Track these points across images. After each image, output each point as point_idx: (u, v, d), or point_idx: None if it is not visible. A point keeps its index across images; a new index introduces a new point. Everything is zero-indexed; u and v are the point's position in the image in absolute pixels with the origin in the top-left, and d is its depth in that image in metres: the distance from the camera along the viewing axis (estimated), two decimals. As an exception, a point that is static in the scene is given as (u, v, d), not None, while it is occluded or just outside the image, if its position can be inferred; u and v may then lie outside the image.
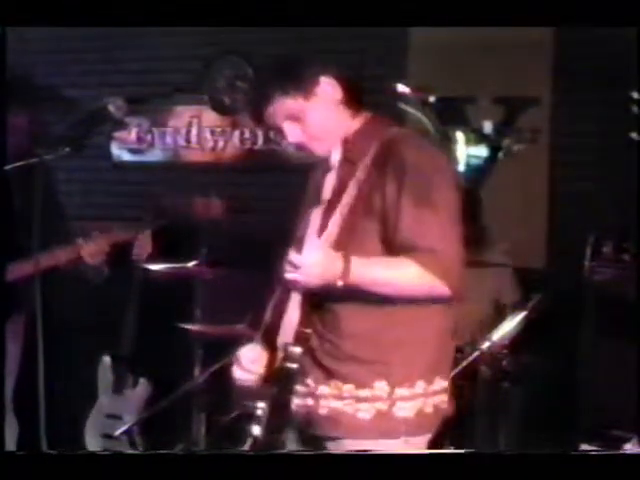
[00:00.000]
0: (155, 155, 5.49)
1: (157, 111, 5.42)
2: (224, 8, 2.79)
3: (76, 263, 3.82)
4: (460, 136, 4.33)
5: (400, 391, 2.56)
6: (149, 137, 5.47)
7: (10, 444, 4.03)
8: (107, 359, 4.80)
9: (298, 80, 2.59)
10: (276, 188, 5.13)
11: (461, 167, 4.52)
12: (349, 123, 2.66)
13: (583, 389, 4.40)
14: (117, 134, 5.41)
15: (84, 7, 2.78)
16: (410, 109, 4.18)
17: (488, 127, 4.59)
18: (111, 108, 3.26)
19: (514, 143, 4.47)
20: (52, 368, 3.00)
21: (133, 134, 5.47)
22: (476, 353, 3.77)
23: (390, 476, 2.18)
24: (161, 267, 4.47)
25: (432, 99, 4.49)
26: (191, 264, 4.46)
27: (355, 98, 2.65)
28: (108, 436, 4.62)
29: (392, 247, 2.52)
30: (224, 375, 4.32)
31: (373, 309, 2.54)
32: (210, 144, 5.38)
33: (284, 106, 2.59)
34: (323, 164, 2.70)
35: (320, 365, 2.59)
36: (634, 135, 4.05)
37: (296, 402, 2.60)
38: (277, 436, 2.57)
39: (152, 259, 4.42)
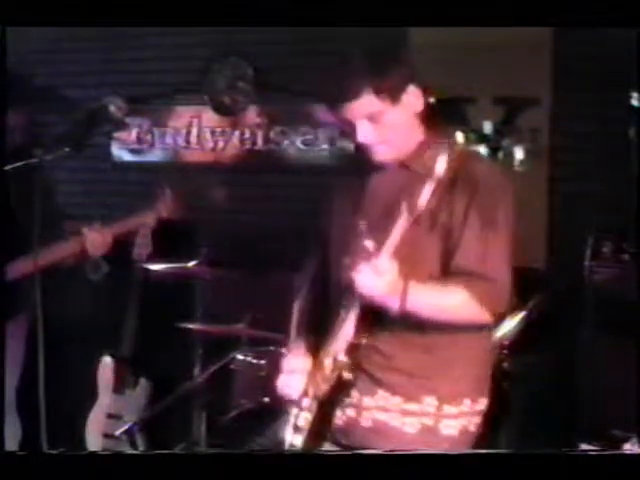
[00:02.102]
0: (155, 155, 5.48)
1: (157, 111, 5.42)
2: (224, 8, 2.79)
3: (79, 256, 3.82)
4: (460, 136, 4.34)
5: (448, 408, 2.56)
6: (149, 137, 5.47)
7: (13, 444, 4.03)
8: (107, 359, 4.79)
9: (394, 83, 2.52)
10: (276, 188, 5.14)
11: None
12: (419, 134, 2.62)
13: (583, 389, 4.40)
14: (117, 134, 5.40)
15: (84, 7, 2.79)
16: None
17: (488, 127, 4.61)
18: (111, 108, 3.27)
19: (514, 143, 4.49)
20: (52, 368, 3.00)
21: (133, 134, 5.46)
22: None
23: (390, 476, 2.18)
24: (161, 267, 4.47)
25: (432, 99, 4.49)
26: (191, 264, 4.46)
27: (431, 114, 2.62)
28: (108, 436, 4.62)
29: (449, 264, 2.51)
30: (224, 375, 4.34)
31: (427, 325, 2.52)
32: (210, 144, 5.38)
33: (369, 104, 2.51)
34: (378, 170, 2.64)
35: (367, 376, 2.56)
36: (634, 135, 4.05)
37: (336, 413, 2.57)
38: (317, 448, 2.54)
39: (152, 259, 4.42)
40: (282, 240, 4.71)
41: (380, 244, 2.41)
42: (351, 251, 2.54)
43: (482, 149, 4.57)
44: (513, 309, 3.97)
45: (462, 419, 2.57)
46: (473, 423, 2.61)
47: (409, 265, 2.43)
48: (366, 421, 2.57)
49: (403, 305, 2.42)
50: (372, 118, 2.52)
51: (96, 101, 5.13)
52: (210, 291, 4.57)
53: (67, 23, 2.99)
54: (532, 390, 4.28)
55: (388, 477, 2.18)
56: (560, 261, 4.59)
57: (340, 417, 2.58)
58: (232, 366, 4.29)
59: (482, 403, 2.63)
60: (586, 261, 4.12)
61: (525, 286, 4.30)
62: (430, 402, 2.54)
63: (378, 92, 2.49)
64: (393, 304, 2.43)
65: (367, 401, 2.57)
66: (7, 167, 3.43)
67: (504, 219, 2.53)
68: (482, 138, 4.54)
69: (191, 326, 4.44)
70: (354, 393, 2.56)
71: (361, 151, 2.61)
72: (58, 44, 5.39)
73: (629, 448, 3.36)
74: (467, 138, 4.40)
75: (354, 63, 2.55)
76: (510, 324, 3.86)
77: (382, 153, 2.58)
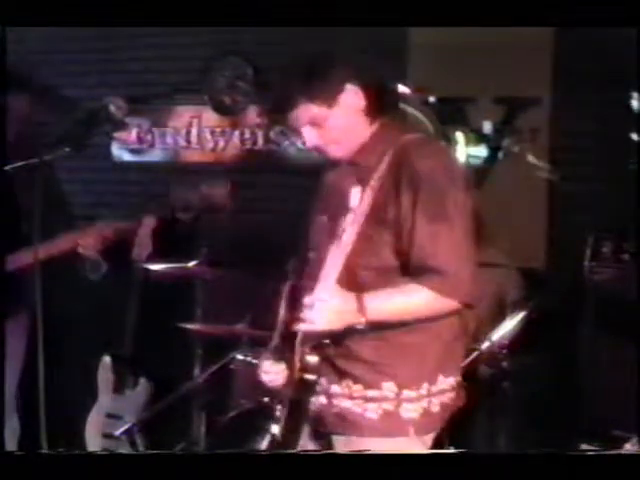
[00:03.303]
0: (155, 155, 5.48)
1: (157, 111, 5.42)
2: (224, 8, 2.79)
3: (78, 251, 3.81)
4: (460, 136, 4.34)
5: (407, 392, 2.61)
6: (149, 137, 5.47)
7: (12, 444, 4.03)
8: (107, 359, 4.79)
9: (325, 89, 2.58)
10: (276, 188, 5.14)
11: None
12: (366, 128, 2.65)
13: (583, 389, 4.40)
14: (117, 134, 5.40)
15: (84, 7, 2.79)
16: (410, 109, 4.19)
17: (488, 127, 4.61)
18: (111, 108, 3.26)
19: (514, 143, 4.49)
20: (52, 368, 3.00)
21: (133, 134, 5.46)
22: (476, 353, 3.76)
23: (390, 476, 2.18)
24: (161, 267, 4.47)
25: (432, 99, 4.50)
26: (191, 264, 4.46)
27: (377, 106, 2.63)
28: (108, 436, 4.62)
29: (405, 259, 2.55)
30: (224, 375, 4.34)
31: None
32: (210, 144, 5.38)
33: (307, 112, 2.59)
34: (335, 167, 2.71)
35: (333, 366, 2.64)
36: (634, 135, 4.05)
37: (311, 400, 2.65)
38: (294, 435, 2.63)
39: (152, 259, 4.42)
40: (282, 240, 4.71)
41: (337, 245, 2.49)
42: (315, 247, 2.64)
43: (482, 149, 4.57)
44: (513, 309, 3.98)
45: (422, 402, 2.62)
46: (435, 404, 2.65)
47: (365, 263, 2.51)
48: (334, 408, 2.65)
49: (366, 319, 2.49)
50: (314, 123, 2.59)
51: (96, 101, 5.13)
52: (210, 291, 4.57)
53: (67, 23, 2.99)
54: (532, 390, 4.28)
55: (388, 477, 2.19)
56: (560, 261, 4.59)
57: (314, 403, 2.66)
58: (232, 366, 4.29)
59: (444, 383, 2.67)
60: (586, 261, 4.12)
61: (525, 286, 4.33)
62: (389, 387, 2.60)
63: (312, 99, 2.57)
64: (356, 322, 2.50)
65: (334, 388, 2.65)
66: (7, 167, 3.43)
67: (453, 210, 2.54)
68: (482, 138, 4.54)
69: (191, 326, 4.44)
70: (324, 381, 2.64)
71: (316, 152, 2.67)
72: (58, 44, 5.39)
73: (629, 448, 3.36)
74: (467, 138, 4.41)
75: (287, 73, 2.63)
76: (510, 324, 3.86)
77: (333, 152, 2.65)
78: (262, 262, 4.05)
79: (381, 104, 2.63)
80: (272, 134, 5.22)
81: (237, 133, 5.31)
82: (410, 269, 2.54)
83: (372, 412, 2.62)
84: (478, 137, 4.49)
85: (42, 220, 3.06)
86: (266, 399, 2.70)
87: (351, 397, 2.63)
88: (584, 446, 3.55)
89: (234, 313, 4.34)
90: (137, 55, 5.40)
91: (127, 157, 5.53)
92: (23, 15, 2.82)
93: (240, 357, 4.28)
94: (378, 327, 2.54)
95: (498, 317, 4.02)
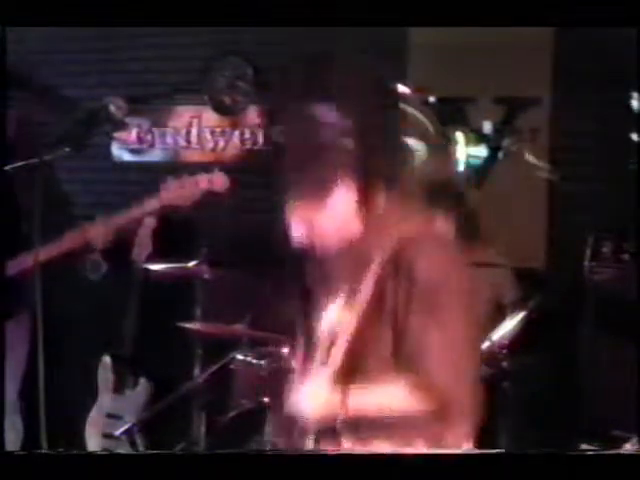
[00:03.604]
0: (155, 155, 5.49)
1: (157, 111, 5.42)
2: (224, 8, 2.79)
3: (82, 249, 3.81)
4: (460, 136, 4.34)
5: None
6: (149, 137, 5.47)
7: (15, 444, 4.03)
8: (107, 359, 4.79)
9: (314, 191, 2.49)
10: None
11: (461, 167, 4.53)
12: (363, 217, 2.53)
13: (583, 389, 4.40)
14: (117, 134, 5.41)
15: (84, 7, 2.79)
16: (410, 109, 4.19)
17: (488, 127, 4.61)
18: (111, 108, 3.27)
19: (514, 143, 4.49)
20: (52, 368, 3.00)
21: (133, 134, 5.47)
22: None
23: (390, 476, 2.18)
24: (161, 267, 4.47)
25: (432, 99, 4.50)
26: (191, 264, 4.46)
27: (370, 199, 2.51)
28: (108, 436, 4.62)
29: (395, 354, 2.48)
30: (224, 375, 4.34)
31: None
32: (210, 144, 5.38)
33: (295, 212, 2.54)
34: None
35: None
36: (634, 135, 4.06)
37: None
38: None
39: (152, 259, 4.42)
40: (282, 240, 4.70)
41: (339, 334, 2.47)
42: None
43: (482, 149, 4.57)
44: (513, 309, 3.98)
45: None
46: None
47: (362, 350, 2.47)
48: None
49: (344, 413, 2.47)
50: (302, 221, 2.53)
51: (96, 101, 5.13)
52: (210, 291, 4.57)
53: (67, 23, 2.99)
54: (532, 390, 4.28)
55: (387, 477, 2.18)
56: (560, 261, 4.60)
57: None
58: (232, 366, 4.29)
59: None
60: (586, 261, 4.12)
61: (525, 286, 4.33)
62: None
63: (303, 197, 2.51)
64: (334, 416, 2.48)
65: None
66: (7, 167, 3.43)
67: (449, 317, 2.43)
68: (482, 138, 4.54)
69: (191, 326, 4.44)
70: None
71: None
72: (58, 44, 5.39)
73: (629, 448, 3.36)
74: (467, 138, 4.41)
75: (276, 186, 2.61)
76: (510, 324, 3.86)
77: (326, 244, 2.55)
78: (262, 262, 4.05)
79: (375, 196, 2.52)
80: (272, 134, 5.21)
81: (237, 133, 5.31)
82: (398, 363, 2.47)
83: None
84: (478, 137, 4.50)
85: (42, 220, 3.05)
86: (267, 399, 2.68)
87: None
88: (584, 446, 3.55)
89: (234, 313, 4.34)
90: (137, 55, 5.40)
91: (127, 157, 5.53)
92: (23, 15, 2.81)
93: (240, 357, 4.28)
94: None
95: (498, 317, 4.03)
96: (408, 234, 2.47)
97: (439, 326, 2.42)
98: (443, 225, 2.61)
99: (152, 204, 3.80)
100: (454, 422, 2.47)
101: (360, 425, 2.51)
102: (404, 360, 2.46)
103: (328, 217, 2.51)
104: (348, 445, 2.54)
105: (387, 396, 2.49)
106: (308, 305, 2.67)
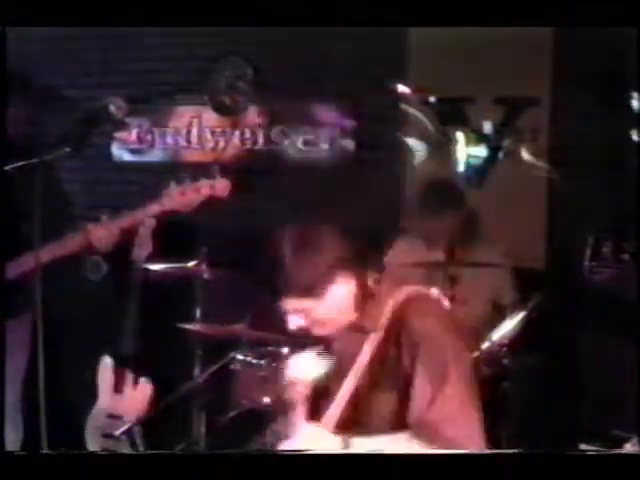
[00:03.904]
0: (155, 155, 5.48)
1: (157, 111, 5.42)
2: (224, 8, 2.79)
3: (85, 250, 3.81)
4: (460, 136, 4.34)
5: None
6: (149, 137, 5.47)
7: (15, 444, 4.03)
8: (107, 359, 4.79)
9: (310, 287, 2.49)
10: (276, 188, 5.14)
11: (461, 167, 4.53)
12: (358, 302, 2.56)
13: (583, 389, 4.40)
14: (118, 134, 5.41)
15: (84, 7, 2.79)
16: (410, 109, 4.20)
17: (488, 127, 4.62)
18: (111, 108, 3.27)
19: (514, 143, 4.49)
20: (52, 368, 3.00)
21: (133, 134, 5.46)
22: (476, 353, 3.77)
23: (390, 476, 2.18)
24: (161, 267, 4.47)
25: (432, 99, 4.50)
26: (191, 264, 4.46)
27: (366, 287, 2.55)
28: (108, 436, 4.62)
29: (401, 415, 2.50)
30: (224, 375, 4.34)
31: None
32: (210, 144, 5.38)
33: (290, 304, 2.53)
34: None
35: None
36: (634, 135, 4.05)
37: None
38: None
39: (152, 259, 4.42)
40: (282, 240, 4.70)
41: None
42: None
43: (482, 149, 4.57)
44: (513, 309, 3.98)
45: None
46: None
47: (363, 411, 2.48)
48: None
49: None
50: (298, 312, 2.52)
51: (96, 101, 5.14)
52: (210, 291, 4.57)
53: (67, 23, 2.99)
54: (532, 390, 4.29)
55: (387, 477, 2.18)
56: (560, 261, 4.60)
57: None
58: (232, 366, 4.29)
59: None
60: (586, 261, 4.12)
61: (525, 286, 4.33)
62: None
63: (296, 295, 2.50)
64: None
65: None
66: (7, 167, 3.43)
67: (454, 372, 2.47)
68: (482, 138, 4.54)
69: (191, 326, 4.44)
70: None
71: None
72: (58, 44, 5.39)
73: (629, 448, 3.36)
74: (467, 138, 4.41)
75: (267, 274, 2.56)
76: (510, 324, 3.86)
77: (321, 331, 2.57)
78: (261, 262, 4.05)
79: (369, 283, 2.56)
80: (272, 134, 5.22)
81: (237, 133, 5.31)
82: (408, 422, 2.49)
83: None
84: (478, 137, 4.50)
85: (42, 220, 3.05)
86: (268, 398, 2.68)
87: None
88: (584, 446, 3.55)
89: (234, 313, 4.34)
90: (137, 55, 5.40)
91: (127, 157, 5.53)
92: (23, 15, 2.82)
93: (240, 357, 4.28)
94: None
95: (498, 317, 4.03)
96: (403, 301, 2.52)
97: (448, 383, 2.46)
98: (433, 290, 2.66)
99: (153, 209, 3.81)
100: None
101: None
102: (413, 419, 2.47)
103: (325, 307, 2.52)
104: None
105: (391, 444, 2.47)
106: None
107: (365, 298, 2.56)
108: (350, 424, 2.48)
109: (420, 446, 2.42)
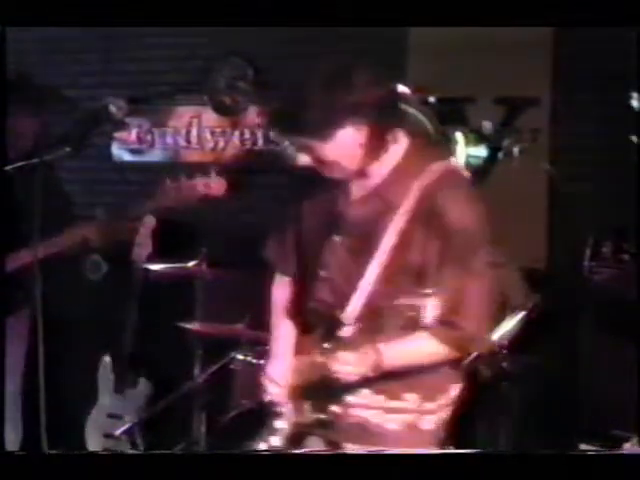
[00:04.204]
0: (155, 155, 5.49)
1: (157, 111, 5.42)
2: (224, 8, 2.79)
3: (80, 247, 3.81)
4: (460, 136, 4.34)
5: (428, 404, 2.60)
6: (149, 137, 5.47)
7: (15, 444, 4.03)
8: (107, 359, 4.80)
9: (320, 128, 2.46)
10: (276, 189, 5.13)
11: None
12: (381, 158, 2.52)
13: (583, 389, 4.40)
14: (117, 134, 5.41)
15: (84, 7, 2.79)
16: (410, 109, 4.19)
17: (488, 127, 4.61)
18: (111, 108, 3.26)
19: (514, 143, 4.49)
20: (52, 368, 3.00)
21: (133, 134, 5.47)
22: (476, 353, 3.76)
23: (390, 476, 2.18)
24: (161, 267, 4.47)
25: (432, 99, 4.50)
26: (191, 264, 4.46)
27: (381, 140, 2.50)
28: (109, 436, 4.62)
29: (422, 308, 2.49)
30: (224, 375, 4.34)
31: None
32: (210, 144, 5.38)
33: (298, 144, 2.53)
34: (341, 189, 2.59)
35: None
36: (634, 135, 4.05)
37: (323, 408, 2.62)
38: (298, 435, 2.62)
39: (152, 259, 4.42)
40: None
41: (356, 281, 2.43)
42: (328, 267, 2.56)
43: (482, 149, 4.57)
44: (513, 309, 3.98)
45: (441, 412, 2.64)
46: (449, 413, 2.67)
47: (386, 303, 2.47)
48: (350, 418, 2.60)
49: (382, 372, 2.49)
50: (307, 153, 2.52)
51: (96, 101, 5.13)
52: (210, 291, 4.58)
53: (67, 23, 2.99)
54: (532, 390, 4.28)
55: (387, 477, 2.18)
56: (560, 261, 4.59)
57: (326, 412, 2.61)
58: (232, 366, 4.29)
59: (455, 390, 2.69)
60: (586, 261, 4.12)
61: (525, 286, 4.32)
62: (411, 399, 2.58)
63: (305, 136, 2.49)
64: (372, 373, 2.49)
65: (350, 398, 2.59)
66: (7, 167, 3.43)
67: (480, 266, 2.46)
68: (482, 138, 4.53)
69: (191, 326, 4.44)
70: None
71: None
72: (58, 44, 5.39)
73: (629, 448, 3.36)
74: (467, 138, 4.40)
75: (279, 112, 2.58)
76: (510, 324, 3.86)
77: (330, 173, 2.54)
78: (262, 262, 4.05)
79: (387, 136, 2.51)
80: (272, 134, 5.22)
81: (237, 133, 5.31)
82: (425, 317, 2.49)
83: (393, 423, 2.58)
84: (478, 137, 4.49)
85: (42, 220, 3.05)
86: (269, 398, 2.67)
87: (370, 407, 2.59)
88: (584, 446, 3.55)
89: (234, 313, 4.34)
90: (137, 55, 5.40)
91: (127, 157, 5.53)
92: (23, 15, 2.82)
93: (240, 357, 4.28)
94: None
95: (498, 317, 4.03)
96: (432, 183, 2.45)
97: (475, 281, 2.44)
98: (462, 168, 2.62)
99: (149, 206, 3.81)
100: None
101: (389, 378, 2.53)
102: (435, 313, 2.46)
103: (333, 148, 2.47)
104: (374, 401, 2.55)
105: (419, 349, 2.50)
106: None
107: (377, 149, 2.49)
108: (373, 315, 2.46)
109: (436, 347, 2.46)
